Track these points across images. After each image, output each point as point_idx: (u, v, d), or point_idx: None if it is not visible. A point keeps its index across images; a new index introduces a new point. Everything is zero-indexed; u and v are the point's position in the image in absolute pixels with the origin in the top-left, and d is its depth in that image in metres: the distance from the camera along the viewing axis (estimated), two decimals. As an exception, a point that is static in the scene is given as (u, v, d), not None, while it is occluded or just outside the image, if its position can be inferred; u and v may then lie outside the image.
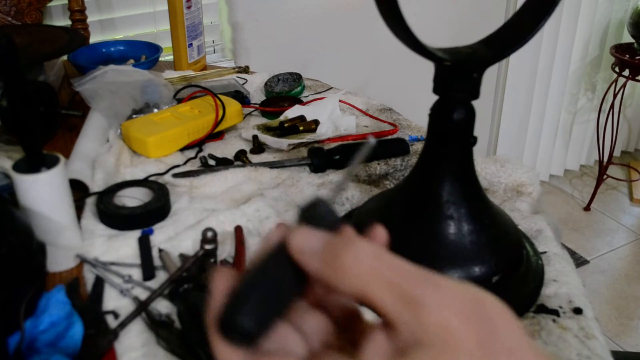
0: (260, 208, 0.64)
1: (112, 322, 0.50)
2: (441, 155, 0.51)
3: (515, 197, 0.67)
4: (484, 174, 0.70)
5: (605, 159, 2.21)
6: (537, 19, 0.48)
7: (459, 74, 0.48)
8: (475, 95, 0.49)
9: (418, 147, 0.81)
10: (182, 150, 0.79)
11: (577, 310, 0.50)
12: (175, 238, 0.59)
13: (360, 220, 0.58)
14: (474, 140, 0.51)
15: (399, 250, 0.52)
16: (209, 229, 0.55)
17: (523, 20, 0.50)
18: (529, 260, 0.54)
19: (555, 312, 0.50)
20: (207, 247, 0.55)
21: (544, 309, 0.50)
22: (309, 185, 0.70)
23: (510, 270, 0.52)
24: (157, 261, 0.57)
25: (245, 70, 1.11)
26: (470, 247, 0.50)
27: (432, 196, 0.51)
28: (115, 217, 0.62)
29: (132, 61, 1.10)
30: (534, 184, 0.68)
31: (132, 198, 0.65)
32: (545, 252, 0.57)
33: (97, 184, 0.68)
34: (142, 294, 0.53)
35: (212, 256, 0.55)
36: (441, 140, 0.51)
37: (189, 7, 1.10)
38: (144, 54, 1.13)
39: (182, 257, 0.57)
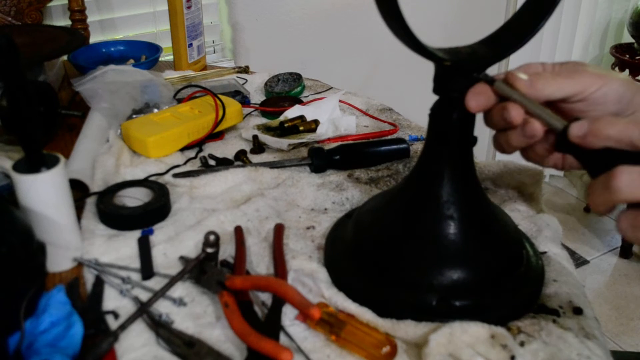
0: (260, 208, 0.64)
1: (112, 322, 0.50)
2: (441, 156, 0.51)
3: (515, 198, 0.67)
4: (485, 175, 0.70)
5: (605, 159, 2.21)
6: (537, 19, 0.48)
7: (459, 74, 0.48)
8: None
9: (418, 147, 0.81)
10: (182, 150, 0.79)
11: (577, 310, 0.50)
12: (176, 238, 0.59)
13: (360, 219, 0.58)
14: (474, 141, 0.51)
15: (400, 250, 0.53)
16: (212, 232, 0.55)
17: (523, 20, 0.50)
18: (529, 260, 0.54)
19: (555, 312, 0.50)
20: (209, 250, 0.55)
21: (544, 309, 0.50)
22: (309, 185, 0.70)
23: (511, 270, 0.52)
24: (156, 261, 0.57)
25: (245, 70, 1.11)
26: (470, 247, 0.51)
27: (432, 196, 0.51)
28: (115, 217, 0.62)
29: (132, 61, 1.10)
30: (536, 184, 0.68)
31: (132, 198, 0.65)
32: (545, 252, 0.57)
33: (97, 184, 0.68)
34: (142, 294, 0.53)
35: (213, 259, 0.55)
36: (441, 140, 0.51)
37: (189, 7, 1.10)
38: (144, 54, 1.13)
39: (183, 259, 0.57)
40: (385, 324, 0.48)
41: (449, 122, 0.49)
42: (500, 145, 0.52)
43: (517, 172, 0.69)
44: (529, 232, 0.61)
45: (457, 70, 0.48)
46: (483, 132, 0.53)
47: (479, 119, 0.50)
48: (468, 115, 0.49)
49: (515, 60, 2.12)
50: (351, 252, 0.55)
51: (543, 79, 0.47)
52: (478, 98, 0.47)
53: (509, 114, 0.47)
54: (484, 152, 2.37)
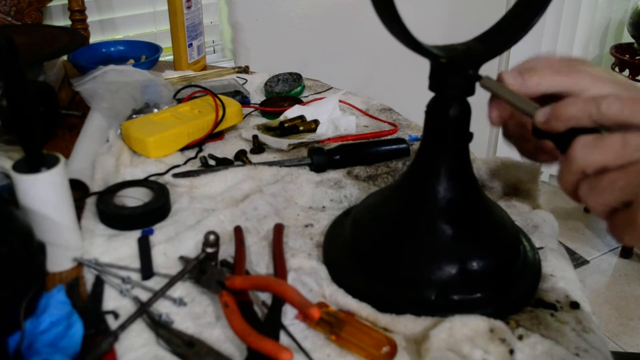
0: (258, 206, 0.64)
1: (112, 322, 0.50)
2: (437, 152, 0.51)
3: (512, 194, 0.67)
4: (482, 171, 0.71)
5: (606, 158, 2.21)
6: (531, 16, 0.49)
7: (455, 71, 0.48)
8: (471, 92, 0.49)
9: (418, 146, 0.81)
10: (182, 150, 0.79)
11: (574, 305, 0.50)
12: (176, 238, 0.59)
13: (358, 217, 0.58)
14: (470, 137, 0.51)
15: (398, 246, 0.53)
16: (212, 232, 0.55)
17: (517, 17, 0.50)
18: (526, 255, 0.55)
19: (552, 307, 0.50)
20: (209, 250, 0.55)
21: (542, 303, 0.51)
22: (307, 182, 0.70)
23: (508, 265, 0.52)
24: (156, 261, 0.57)
25: (245, 70, 1.11)
26: (467, 242, 0.51)
27: (429, 192, 0.51)
28: (115, 217, 0.62)
29: (132, 61, 1.10)
30: (533, 181, 0.68)
31: (132, 198, 0.65)
32: (542, 248, 0.58)
33: (97, 184, 0.68)
34: (142, 294, 0.53)
35: (213, 259, 0.55)
36: (437, 137, 0.51)
37: (189, 7, 1.10)
38: (144, 54, 1.13)
39: (183, 259, 0.57)
40: (384, 319, 0.48)
41: (445, 119, 0.49)
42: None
43: (513, 169, 0.69)
44: (525, 227, 0.61)
45: (452, 67, 0.48)
46: (480, 129, 0.53)
47: (474, 115, 0.51)
48: (464, 111, 0.49)
49: (516, 60, 2.12)
50: (350, 249, 0.55)
51: (539, 73, 0.48)
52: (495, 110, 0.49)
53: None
54: (484, 149, 2.37)
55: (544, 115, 0.43)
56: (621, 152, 0.38)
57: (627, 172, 0.38)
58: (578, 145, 0.40)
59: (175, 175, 0.72)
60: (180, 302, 0.52)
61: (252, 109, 0.94)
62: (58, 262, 0.57)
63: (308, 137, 0.83)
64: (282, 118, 0.89)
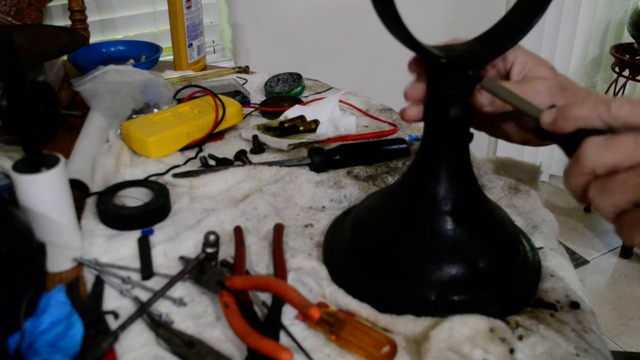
0: (258, 206, 0.64)
1: (112, 322, 0.50)
2: (437, 152, 0.51)
3: (512, 194, 0.67)
4: (482, 171, 0.71)
5: (605, 158, 2.21)
6: (531, 16, 0.49)
7: (455, 71, 0.48)
8: (471, 92, 0.49)
9: (418, 147, 0.81)
10: (182, 150, 0.79)
11: (574, 305, 0.50)
12: (176, 238, 0.59)
13: (358, 217, 0.58)
14: (470, 137, 0.51)
15: (398, 246, 0.53)
16: (212, 232, 0.55)
17: (517, 17, 0.50)
18: (526, 255, 0.55)
19: (552, 307, 0.50)
20: (209, 250, 0.55)
21: (541, 304, 0.51)
22: (307, 182, 0.70)
23: (508, 266, 0.52)
24: (156, 261, 0.57)
25: (245, 70, 1.11)
26: (467, 242, 0.51)
27: (429, 193, 0.51)
28: (115, 217, 0.62)
29: (132, 61, 1.10)
30: (532, 180, 0.68)
31: (132, 198, 0.65)
32: (541, 248, 0.58)
33: (97, 184, 0.68)
34: (142, 294, 0.53)
35: (213, 259, 0.55)
36: (437, 137, 0.51)
37: (189, 7, 1.10)
38: (144, 54, 1.13)
39: (183, 259, 0.57)
40: (384, 319, 0.48)
41: (445, 119, 0.49)
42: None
43: (513, 169, 0.69)
44: (525, 227, 0.61)
45: (452, 67, 0.48)
46: (483, 132, 0.53)
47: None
48: (464, 112, 0.49)
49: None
50: (350, 249, 0.55)
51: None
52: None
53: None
54: (484, 149, 2.37)
55: (550, 116, 0.43)
56: (633, 152, 0.38)
57: (638, 172, 0.38)
58: (589, 145, 0.40)
59: (175, 175, 0.72)
60: (180, 302, 0.52)
61: (252, 109, 0.94)
62: (58, 262, 0.57)
63: (308, 137, 0.83)
64: (282, 118, 0.89)
